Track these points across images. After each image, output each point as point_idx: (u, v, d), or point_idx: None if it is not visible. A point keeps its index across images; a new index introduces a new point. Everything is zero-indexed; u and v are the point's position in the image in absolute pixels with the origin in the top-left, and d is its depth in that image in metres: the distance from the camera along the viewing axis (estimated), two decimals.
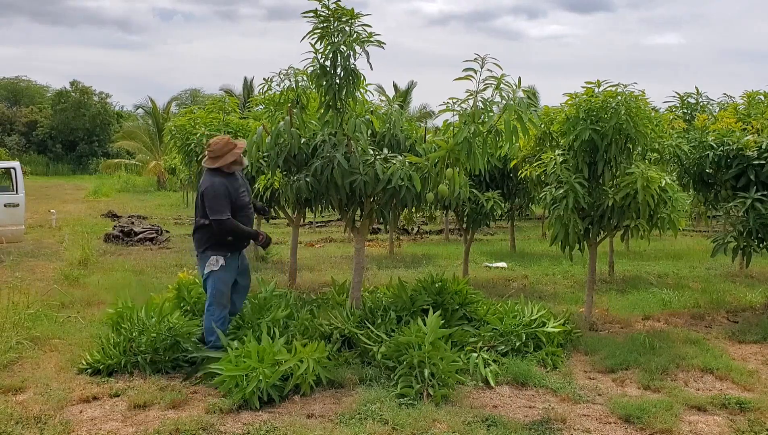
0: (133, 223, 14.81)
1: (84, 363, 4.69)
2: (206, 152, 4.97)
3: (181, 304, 5.70)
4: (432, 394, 4.22)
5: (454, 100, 4.63)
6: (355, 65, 5.06)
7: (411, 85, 33.37)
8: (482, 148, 4.58)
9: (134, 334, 4.75)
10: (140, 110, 38.69)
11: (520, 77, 4.51)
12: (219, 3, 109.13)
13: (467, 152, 4.51)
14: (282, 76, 5.44)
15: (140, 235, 12.48)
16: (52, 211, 15.19)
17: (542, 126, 6.22)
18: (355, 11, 4.89)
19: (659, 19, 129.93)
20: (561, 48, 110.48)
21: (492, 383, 4.53)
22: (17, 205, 9.73)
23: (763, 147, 6.22)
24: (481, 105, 4.54)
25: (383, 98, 6.18)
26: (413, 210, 5.67)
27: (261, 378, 4.07)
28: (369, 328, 5.01)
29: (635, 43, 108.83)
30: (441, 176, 4.78)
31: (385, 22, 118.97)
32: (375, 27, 5.12)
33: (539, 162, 6.06)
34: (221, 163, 4.87)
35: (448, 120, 4.80)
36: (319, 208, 5.76)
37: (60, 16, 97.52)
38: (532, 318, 5.32)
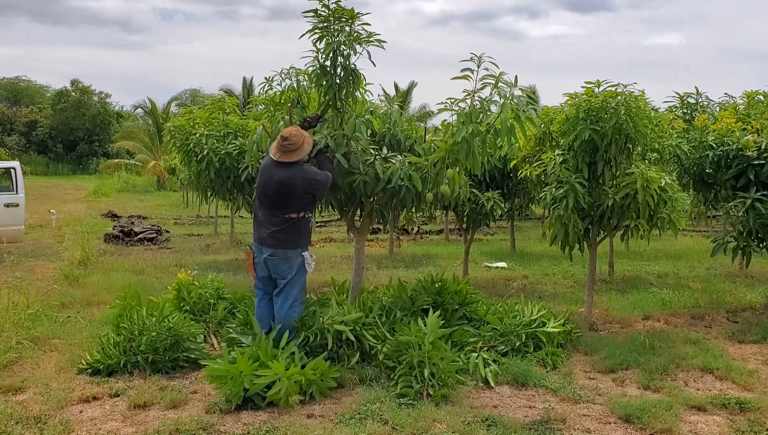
0: (133, 223, 14.81)
1: (84, 363, 4.69)
2: (282, 145, 4.57)
3: (181, 305, 5.70)
4: (432, 394, 4.23)
5: (452, 100, 4.63)
6: (354, 65, 5.06)
7: (411, 85, 33.41)
8: (481, 148, 4.58)
9: (134, 334, 4.75)
10: (140, 110, 38.67)
11: (516, 76, 4.49)
12: (219, 3, 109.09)
13: (466, 152, 4.51)
14: (283, 75, 5.45)
15: (140, 235, 12.47)
16: (52, 211, 15.18)
17: (542, 126, 6.22)
18: (355, 11, 4.90)
19: (660, 19, 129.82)
20: (561, 48, 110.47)
21: (492, 383, 4.54)
22: (17, 205, 9.73)
23: (763, 147, 6.22)
24: (478, 104, 4.54)
25: (383, 98, 6.15)
26: (413, 210, 5.67)
27: (245, 385, 4.05)
28: (377, 324, 4.98)
29: (635, 43, 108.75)
30: (441, 176, 4.78)
31: (385, 22, 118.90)
32: (375, 27, 5.14)
33: (539, 162, 6.06)
34: (300, 155, 4.57)
35: (446, 120, 4.80)
36: (319, 208, 5.75)
37: (60, 16, 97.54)
38: (532, 318, 5.32)
